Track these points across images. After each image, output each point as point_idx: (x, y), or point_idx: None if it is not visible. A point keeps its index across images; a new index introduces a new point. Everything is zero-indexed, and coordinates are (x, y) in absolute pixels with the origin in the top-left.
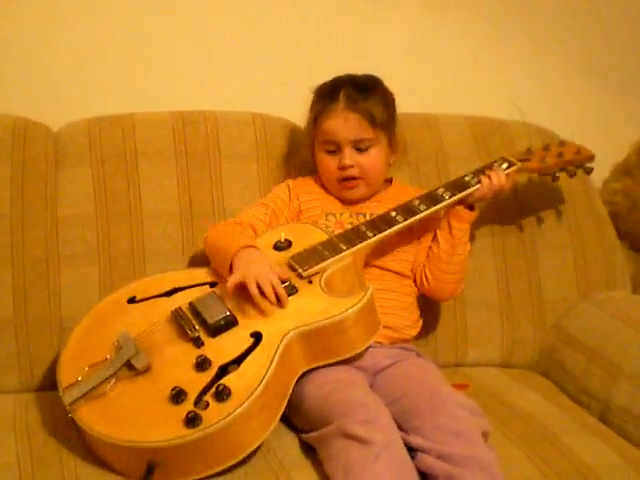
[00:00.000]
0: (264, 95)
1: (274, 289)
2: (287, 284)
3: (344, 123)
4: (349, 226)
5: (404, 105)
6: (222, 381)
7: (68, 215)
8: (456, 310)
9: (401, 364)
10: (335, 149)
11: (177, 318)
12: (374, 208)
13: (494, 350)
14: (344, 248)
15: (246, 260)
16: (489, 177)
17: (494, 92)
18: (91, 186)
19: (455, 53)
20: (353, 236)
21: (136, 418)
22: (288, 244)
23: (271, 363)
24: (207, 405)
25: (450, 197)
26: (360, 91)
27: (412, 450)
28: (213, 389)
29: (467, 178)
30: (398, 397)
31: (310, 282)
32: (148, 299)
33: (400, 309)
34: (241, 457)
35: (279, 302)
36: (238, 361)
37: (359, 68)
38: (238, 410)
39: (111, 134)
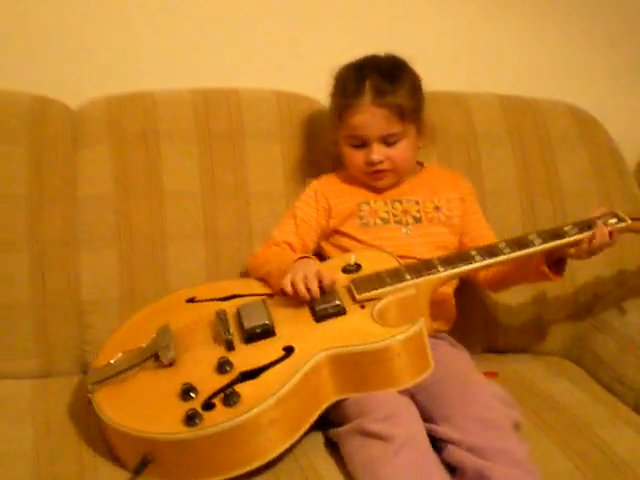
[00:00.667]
0: (286, 73)
1: (319, 279)
2: (337, 304)
3: (371, 118)
4: (385, 214)
5: (432, 84)
6: (235, 386)
7: (87, 196)
8: (486, 296)
9: (433, 352)
10: (361, 144)
11: (218, 319)
12: (407, 193)
13: (525, 336)
14: (407, 278)
15: (297, 265)
16: (593, 236)
17: (527, 70)
18: (110, 166)
19: (485, 32)
20: (422, 268)
21: (143, 408)
22: (357, 267)
23: (291, 378)
24: (213, 407)
25: (540, 244)
26: (386, 81)
27: (441, 442)
28: (224, 393)
29: (566, 228)
30: (429, 384)
31: (362, 307)
32: (205, 301)
33: (440, 300)
34: (248, 469)
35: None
36: (261, 371)
37: (385, 46)
38: (241, 417)
39: (131, 112)
